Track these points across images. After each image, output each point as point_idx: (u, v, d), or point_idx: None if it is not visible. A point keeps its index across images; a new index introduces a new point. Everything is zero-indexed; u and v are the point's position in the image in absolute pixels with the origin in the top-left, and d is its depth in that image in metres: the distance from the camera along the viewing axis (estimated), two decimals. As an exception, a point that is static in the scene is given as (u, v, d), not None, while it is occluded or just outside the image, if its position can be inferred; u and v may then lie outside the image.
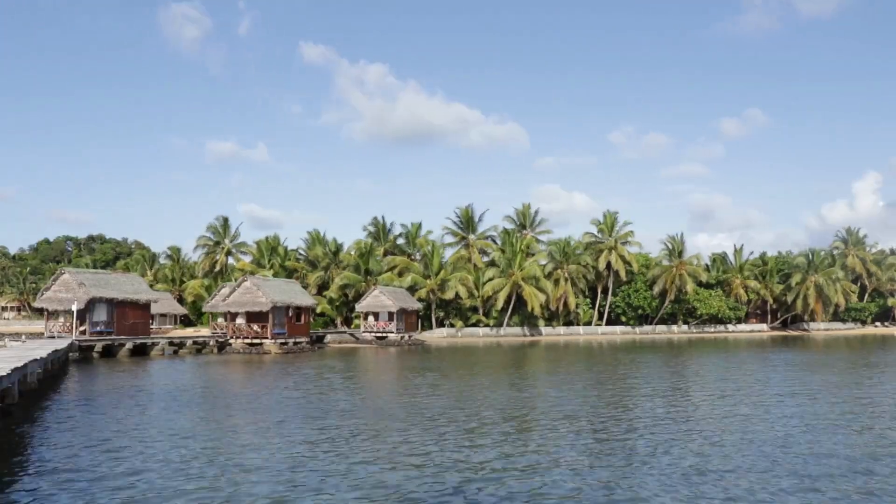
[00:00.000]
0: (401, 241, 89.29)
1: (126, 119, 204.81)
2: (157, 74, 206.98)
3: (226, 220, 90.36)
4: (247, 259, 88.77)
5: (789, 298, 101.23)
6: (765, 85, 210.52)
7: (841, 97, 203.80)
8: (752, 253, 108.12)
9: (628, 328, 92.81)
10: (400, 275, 79.89)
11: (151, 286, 77.62)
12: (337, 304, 78.43)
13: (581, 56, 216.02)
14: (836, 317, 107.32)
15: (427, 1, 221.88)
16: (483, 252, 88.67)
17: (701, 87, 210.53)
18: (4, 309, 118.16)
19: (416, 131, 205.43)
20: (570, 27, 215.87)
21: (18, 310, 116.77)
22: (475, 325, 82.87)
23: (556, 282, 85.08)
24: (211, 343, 52.52)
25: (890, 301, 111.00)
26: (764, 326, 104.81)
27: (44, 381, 26.59)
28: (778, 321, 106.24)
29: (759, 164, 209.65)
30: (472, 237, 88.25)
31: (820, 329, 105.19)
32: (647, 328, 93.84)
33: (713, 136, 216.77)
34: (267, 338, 52.59)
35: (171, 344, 50.29)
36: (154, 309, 63.67)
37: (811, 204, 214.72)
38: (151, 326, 57.04)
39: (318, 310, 73.81)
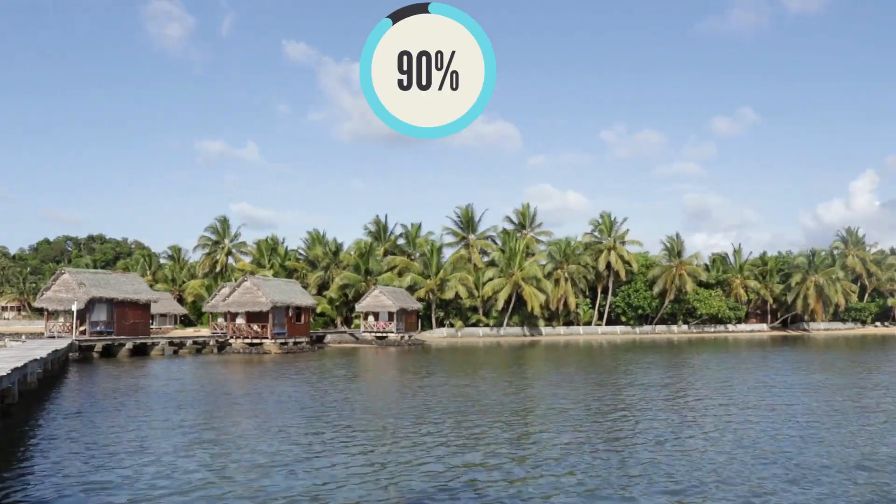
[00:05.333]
0: (401, 241, 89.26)
1: (116, 118, 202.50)
2: (143, 73, 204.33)
3: (225, 219, 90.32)
4: (247, 259, 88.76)
5: (789, 298, 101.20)
6: (755, 83, 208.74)
7: (835, 95, 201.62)
8: (751, 253, 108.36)
9: (628, 328, 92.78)
10: (400, 275, 79.87)
11: (151, 286, 77.53)
12: (337, 304, 78.43)
13: (571, 53, 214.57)
14: (836, 317, 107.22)
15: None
16: (483, 252, 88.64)
17: (691, 85, 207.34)
18: (4, 309, 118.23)
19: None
20: (558, 25, 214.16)
21: (18, 310, 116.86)
22: (475, 325, 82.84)
23: (557, 282, 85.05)
24: (211, 343, 52.52)
25: (890, 301, 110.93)
26: (764, 326, 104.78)
27: (44, 381, 26.57)
28: (778, 321, 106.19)
29: (754, 164, 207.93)
30: (472, 237, 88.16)
31: (820, 329, 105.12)
32: (647, 328, 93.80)
33: (705, 135, 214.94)
34: (267, 338, 52.59)
35: (171, 344, 50.29)
36: (154, 309, 63.61)
37: (807, 203, 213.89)
38: (151, 326, 57.04)
39: (318, 310, 73.79)
